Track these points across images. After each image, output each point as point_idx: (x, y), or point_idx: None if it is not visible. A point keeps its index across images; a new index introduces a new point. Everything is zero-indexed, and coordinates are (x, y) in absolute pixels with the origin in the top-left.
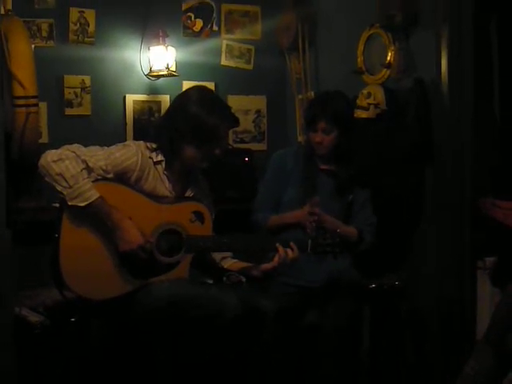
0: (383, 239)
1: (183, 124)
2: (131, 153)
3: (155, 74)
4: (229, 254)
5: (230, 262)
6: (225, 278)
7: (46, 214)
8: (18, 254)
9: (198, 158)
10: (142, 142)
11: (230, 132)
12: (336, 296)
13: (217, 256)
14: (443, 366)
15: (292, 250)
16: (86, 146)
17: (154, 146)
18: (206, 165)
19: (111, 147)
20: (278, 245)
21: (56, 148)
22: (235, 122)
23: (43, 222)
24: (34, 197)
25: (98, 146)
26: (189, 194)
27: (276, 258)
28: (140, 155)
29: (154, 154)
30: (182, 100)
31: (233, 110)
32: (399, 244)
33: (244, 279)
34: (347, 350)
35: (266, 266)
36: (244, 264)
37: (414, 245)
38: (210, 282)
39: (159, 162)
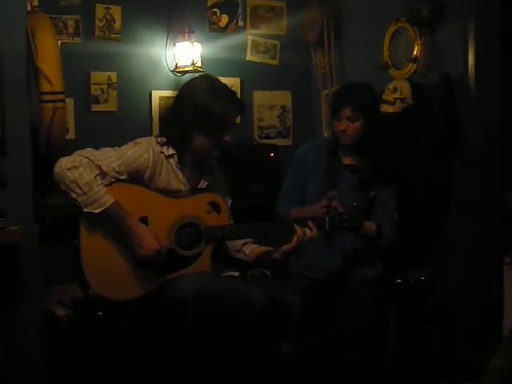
0: (410, 234)
1: (191, 114)
2: (142, 150)
3: (181, 70)
4: (250, 240)
5: (251, 248)
6: (249, 273)
7: (73, 210)
8: (46, 249)
9: (208, 146)
10: (152, 137)
11: (256, 127)
12: (357, 288)
13: (238, 243)
14: (469, 360)
15: (310, 228)
16: (112, 141)
17: (164, 139)
18: (217, 153)
19: (122, 147)
20: (295, 225)
21: (82, 144)
22: (242, 106)
23: (70, 218)
24: (61, 193)
25: (109, 148)
26: (202, 184)
27: (295, 238)
28: (151, 151)
29: (165, 148)
30: (187, 90)
31: (258, 105)
32: (426, 239)
33: (268, 273)
34: (371, 342)
35: (286, 247)
36: (265, 248)
37: (441, 240)
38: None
39: (171, 156)
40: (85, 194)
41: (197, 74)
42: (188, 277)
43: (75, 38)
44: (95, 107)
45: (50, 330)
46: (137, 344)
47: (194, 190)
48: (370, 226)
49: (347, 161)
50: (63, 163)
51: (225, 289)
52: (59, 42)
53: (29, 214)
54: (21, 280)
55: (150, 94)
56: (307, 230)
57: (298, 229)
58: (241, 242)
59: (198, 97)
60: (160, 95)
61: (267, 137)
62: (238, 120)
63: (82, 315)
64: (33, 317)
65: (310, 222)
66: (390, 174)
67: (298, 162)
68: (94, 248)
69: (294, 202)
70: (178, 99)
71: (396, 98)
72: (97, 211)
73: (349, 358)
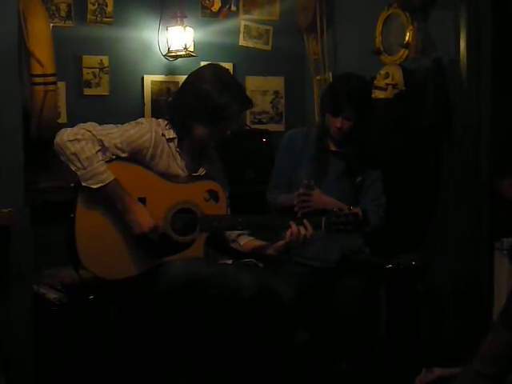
0: (401, 219)
1: (194, 102)
2: (145, 130)
3: (173, 54)
4: (245, 231)
5: (245, 240)
6: (242, 262)
7: (65, 194)
8: (38, 233)
9: (207, 136)
10: (153, 119)
11: (248, 113)
12: (348, 275)
13: (233, 233)
14: (460, 345)
15: (305, 227)
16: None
17: (166, 122)
18: (215, 143)
19: (125, 125)
20: (291, 222)
21: None
22: (248, 103)
23: (62, 201)
24: (52, 176)
25: (112, 125)
26: (201, 171)
27: (288, 234)
28: (153, 132)
29: (166, 131)
30: (195, 78)
31: (250, 91)
32: (416, 224)
33: (261, 264)
34: (361, 328)
35: (279, 243)
36: (259, 242)
37: (432, 225)
38: (228, 262)
39: (172, 140)
40: (84, 168)
41: (189, 59)
42: (178, 261)
43: (67, 22)
44: (87, 91)
45: (41, 314)
46: (128, 327)
47: (194, 177)
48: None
49: (333, 147)
50: (65, 134)
51: (215, 274)
52: (51, 25)
53: (20, 197)
54: (11, 263)
55: (142, 78)
56: (302, 229)
57: (293, 226)
58: (236, 232)
59: (203, 86)
60: (152, 79)
61: (259, 122)
62: None
63: (72, 299)
64: (24, 300)
65: (305, 221)
66: (377, 159)
67: (286, 149)
68: (91, 223)
69: (283, 188)
70: (184, 85)
71: (388, 84)
72: (95, 187)
73: (341, 342)
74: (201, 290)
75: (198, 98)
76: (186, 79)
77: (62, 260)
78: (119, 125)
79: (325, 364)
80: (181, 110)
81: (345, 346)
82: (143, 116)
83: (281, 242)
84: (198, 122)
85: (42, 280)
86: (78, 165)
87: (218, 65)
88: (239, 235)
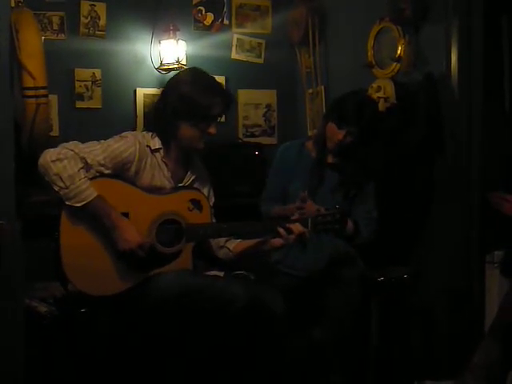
0: (392, 232)
1: (177, 104)
2: (129, 144)
3: (166, 67)
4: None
5: (234, 243)
6: (232, 275)
7: (56, 207)
8: (30, 246)
9: (194, 137)
10: (138, 131)
11: (240, 125)
12: (340, 286)
13: (221, 239)
14: (452, 358)
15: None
16: (96, 138)
17: (152, 133)
18: (203, 145)
19: (108, 140)
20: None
21: (66, 141)
22: (230, 99)
23: (54, 215)
24: (44, 189)
25: (95, 141)
26: (189, 179)
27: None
28: (138, 145)
29: (151, 142)
30: (175, 82)
31: (243, 104)
32: (408, 237)
33: (252, 276)
34: (353, 340)
35: (277, 241)
36: (250, 242)
37: (424, 238)
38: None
39: (157, 150)
40: (66, 187)
41: None
42: (169, 274)
43: (60, 35)
44: (79, 104)
45: (32, 327)
46: (119, 341)
47: (177, 188)
48: (348, 223)
49: (330, 159)
50: (48, 155)
51: (206, 286)
52: (43, 38)
53: (11, 210)
54: (2, 276)
55: (135, 91)
56: (297, 226)
57: (295, 225)
58: (223, 239)
59: (183, 88)
60: (144, 92)
61: (252, 135)
62: (223, 118)
63: (64, 312)
64: (15, 313)
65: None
66: (371, 172)
67: (280, 161)
68: (75, 240)
69: (276, 200)
70: (164, 90)
71: (379, 97)
72: (77, 205)
73: (332, 355)
74: (192, 302)
75: (180, 100)
76: (166, 85)
77: (53, 273)
78: (102, 141)
79: (318, 377)
80: (165, 113)
81: (337, 359)
82: (135, 129)
83: (278, 241)
84: (184, 123)
85: (34, 293)
86: (61, 184)
87: (196, 67)
88: (227, 240)
